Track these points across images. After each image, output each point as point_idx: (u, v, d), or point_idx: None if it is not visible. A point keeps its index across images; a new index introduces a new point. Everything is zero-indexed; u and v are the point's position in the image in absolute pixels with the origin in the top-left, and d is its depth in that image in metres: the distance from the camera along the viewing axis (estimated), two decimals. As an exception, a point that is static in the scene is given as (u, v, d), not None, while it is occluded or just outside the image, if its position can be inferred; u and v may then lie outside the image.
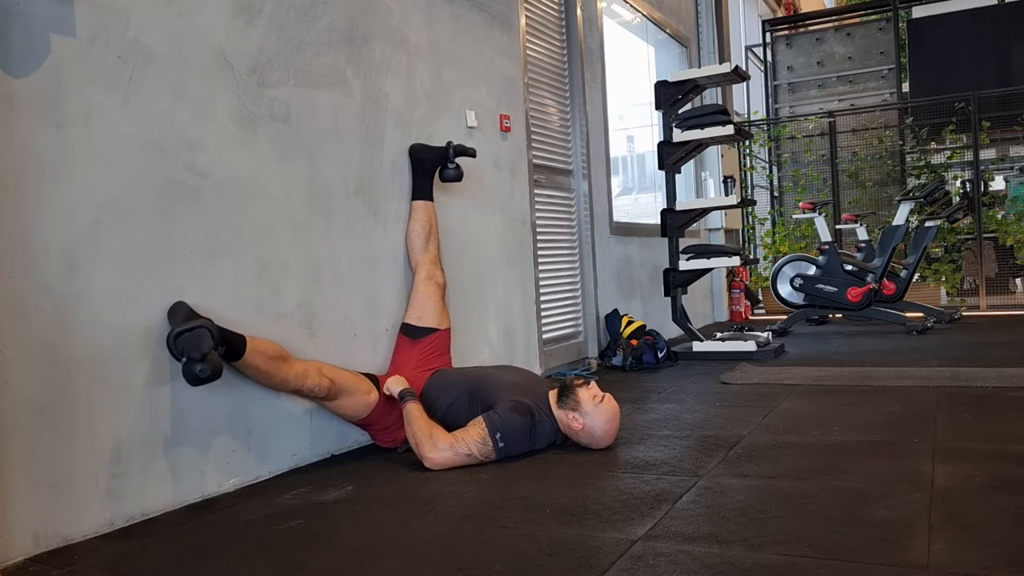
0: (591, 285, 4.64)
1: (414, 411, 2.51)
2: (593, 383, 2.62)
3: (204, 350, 1.98)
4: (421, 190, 3.08)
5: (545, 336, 4.12)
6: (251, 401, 2.37)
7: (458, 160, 3.16)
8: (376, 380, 2.64)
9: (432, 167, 3.10)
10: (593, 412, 2.52)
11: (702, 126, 4.81)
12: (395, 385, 2.62)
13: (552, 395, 2.62)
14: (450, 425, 2.54)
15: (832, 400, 3.26)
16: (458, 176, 3.14)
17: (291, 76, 2.58)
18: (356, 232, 2.79)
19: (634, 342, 4.41)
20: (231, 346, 2.17)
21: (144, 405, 2.05)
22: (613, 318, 4.61)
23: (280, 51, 2.54)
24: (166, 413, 2.11)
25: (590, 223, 4.66)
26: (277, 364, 2.33)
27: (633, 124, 7.86)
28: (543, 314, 4.13)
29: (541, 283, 4.13)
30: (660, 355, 4.40)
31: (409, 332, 2.89)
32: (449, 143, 3.12)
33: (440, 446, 2.41)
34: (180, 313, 2.11)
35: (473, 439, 2.43)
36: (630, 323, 4.57)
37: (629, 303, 5.07)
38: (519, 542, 1.78)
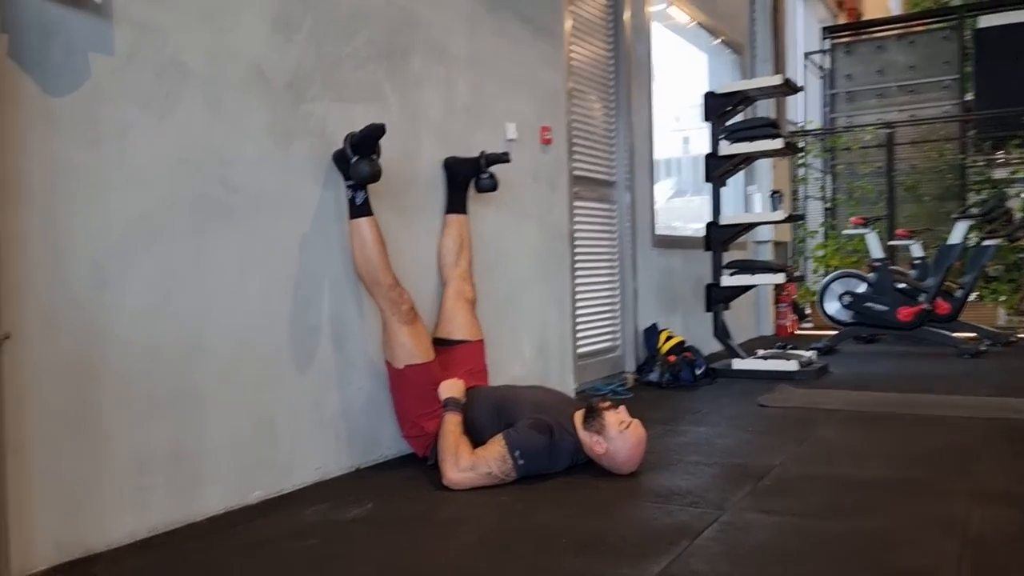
0: (630, 298, 4.59)
1: (449, 424, 2.51)
2: (622, 408, 2.58)
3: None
4: (454, 203, 3.07)
5: (581, 350, 4.09)
6: (278, 414, 2.39)
7: (495, 169, 3.13)
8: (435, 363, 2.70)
9: (465, 179, 3.09)
10: (618, 438, 2.49)
11: (751, 139, 4.71)
12: (445, 391, 2.63)
13: (578, 416, 2.59)
14: (473, 441, 2.53)
15: (871, 429, 3.17)
16: (493, 185, 3.12)
17: (328, 91, 2.60)
18: (389, 246, 2.78)
19: (672, 358, 4.35)
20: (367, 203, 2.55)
21: (169, 418, 2.09)
22: (652, 333, 4.55)
23: (318, 66, 2.56)
24: (191, 426, 2.14)
25: (631, 235, 4.61)
26: (385, 250, 2.59)
27: (690, 126, 7.77)
28: (579, 328, 4.10)
29: (578, 296, 4.10)
30: (698, 373, 4.33)
31: (440, 347, 2.89)
32: (482, 152, 3.10)
33: (462, 465, 2.41)
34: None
35: (493, 457, 2.42)
36: (669, 338, 4.51)
37: (670, 317, 5.01)
38: (532, 574, 1.76)
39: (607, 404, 2.58)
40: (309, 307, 2.52)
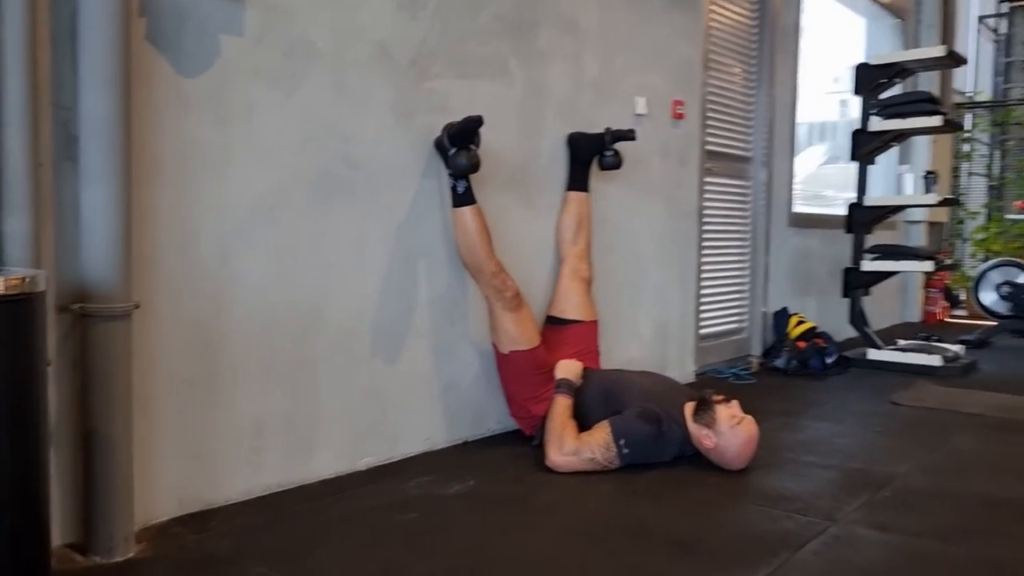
0: (761, 279, 4.41)
1: (559, 406, 2.52)
2: (735, 402, 2.50)
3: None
4: (576, 180, 3.03)
5: (703, 332, 3.98)
6: (389, 382, 2.46)
7: (620, 147, 3.06)
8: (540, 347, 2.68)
9: (589, 156, 3.04)
10: (728, 433, 2.41)
11: (904, 115, 4.38)
12: (560, 371, 2.64)
13: (689, 407, 2.53)
14: (580, 424, 2.52)
15: (1015, 440, 2.93)
16: (616, 163, 3.05)
17: (452, 67, 2.60)
18: (506, 224, 2.78)
19: (802, 344, 4.17)
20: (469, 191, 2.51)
21: (286, 384, 2.19)
22: (781, 316, 4.37)
23: (442, 42, 2.56)
24: (306, 392, 2.24)
25: (766, 213, 4.41)
26: (489, 238, 2.53)
27: (848, 88, 7.32)
28: (704, 309, 3.99)
29: (704, 276, 3.97)
30: (828, 361, 4.12)
31: (552, 325, 2.88)
32: (607, 129, 3.04)
33: (565, 449, 2.41)
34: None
35: (597, 443, 2.41)
36: (800, 323, 4.31)
37: (803, 300, 4.78)
38: (620, 572, 1.75)
39: (720, 397, 2.51)
40: (422, 282, 2.56)
